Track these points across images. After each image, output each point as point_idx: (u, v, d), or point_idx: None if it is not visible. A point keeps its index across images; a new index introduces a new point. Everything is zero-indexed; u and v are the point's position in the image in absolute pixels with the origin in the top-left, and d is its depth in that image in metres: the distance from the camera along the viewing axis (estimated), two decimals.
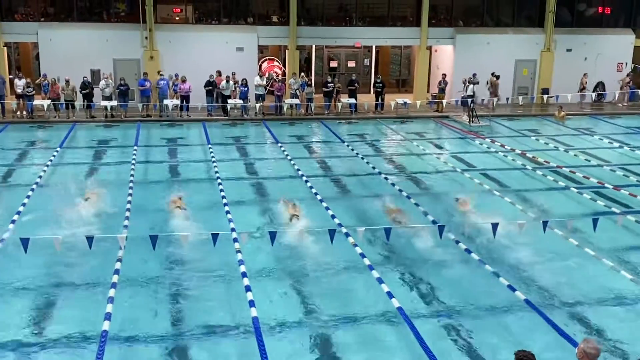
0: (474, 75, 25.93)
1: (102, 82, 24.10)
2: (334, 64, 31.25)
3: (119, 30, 26.25)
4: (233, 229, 11.96)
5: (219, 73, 25.19)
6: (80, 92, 23.81)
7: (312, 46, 30.58)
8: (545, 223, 11.42)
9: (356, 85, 26.48)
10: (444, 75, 27.13)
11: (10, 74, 26.02)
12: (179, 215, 13.23)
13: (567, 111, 25.96)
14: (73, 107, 23.78)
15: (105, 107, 23.81)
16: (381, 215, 13.55)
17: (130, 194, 14.35)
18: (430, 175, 17.07)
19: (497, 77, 27.36)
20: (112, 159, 18.44)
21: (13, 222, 12.40)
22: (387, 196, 14.66)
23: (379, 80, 26.83)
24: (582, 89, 28.16)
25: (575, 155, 19.35)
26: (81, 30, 26.05)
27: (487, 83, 27.33)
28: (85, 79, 24.08)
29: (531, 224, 12.03)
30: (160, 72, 24.80)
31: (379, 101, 26.43)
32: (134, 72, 26.28)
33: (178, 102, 24.44)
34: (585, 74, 28.47)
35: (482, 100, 26.89)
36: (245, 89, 25.06)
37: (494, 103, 26.70)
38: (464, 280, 10.51)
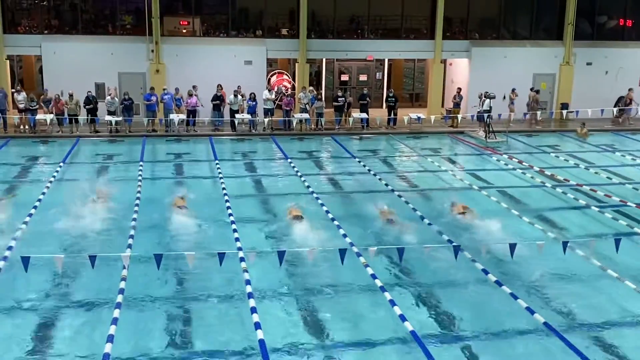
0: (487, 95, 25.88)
1: (108, 99, 24.37)
2: (345, 77, 31.42)
3: (125, 43, 26.57)
4: (240, 248, 11.99)
5: (221, 87, 25.38)
6: (85, 106, 24.07)
7: (322, 59, 30.78)
8: (565, 244, 11.37)
9: (368, 99, 26.60)
10: (459, 89, 27.23)
11: (12, 87, 26.33)
12: (185, 233, 13.29)
13: (589, 127, 25.89)
14: (77, 121, 24.02)
15: (110, 122, 24.04)
16: (394, 233, 13.53)
17: (135, 211, 14.44)
18: (446, 193, 17.04)
19: (537, 92, 27.57)
20: (117, 175, 18.54)
21: (14, 239, 12.49)
22: (399, 215, 14.63)
23: (391, 95, 26.95)
24: (628, 103, 27.90)
25: (596, 172, 19.28)
26: (86, 43, 26.39)
27: (504, 97, 27.38)
28: (89, 93, 24.34)
29: (550, 244, 11.98)
30: (164, 88, 25.01)
31: (392, 116, 26.50)
32: (140, 85, 26.53)
33: (184, 116, 24.63)
34: (630, 89, 28.17)
35: (525, 115, 27.11)
36: (254, 103, 25.24)
37: (537, 117, 26.90)
38: (481, 302, 10.47)
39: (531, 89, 27.86)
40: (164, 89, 25.01)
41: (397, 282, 11.33)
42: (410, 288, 11.10)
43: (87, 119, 24.02)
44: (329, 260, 11.52)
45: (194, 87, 24.70)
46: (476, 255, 11.86)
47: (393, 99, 26.66)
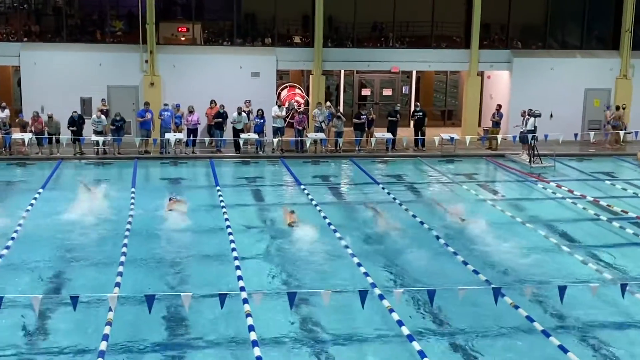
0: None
1: (94, 117, 24.58)
2: (366, 92, 31.59)
3: (115, 53, 26.93)
4: (243, 288, 11.99)
5: (214, 103, 25.59)
6: (68, 128, 24.32)
7: (340, 71, 30.99)
8: (623, 286, 11.26)
9: (398, 117, 26.68)
10: (499, 106, 27.23)
11: None
12: (181, 270, 13.32)
13: None
14: (58, 141, 24.26)
15: (97, 142, 24.25)
16: (424, 273, 13.50)
17: (125, 245, 14.51)
18: (482, 227, 16.87)
19: (623, 108, 27.74)
20: (105, 203, 18.60)
21: None
22: (428, 250, 14.66)
23: (418, 109, 26.97)
24: None
25: None
26: (70, 52, 26.78)
27: (551, 116, 27.35)
28: (75, 114, 24.52)
29: (607, 286, 11.86)
30: (165, 103, 25.29)
31: (420, 136, 26.50)
32: (132, 100, 26.83)
33: (182, 136, 24.82)
34: None
35: (607, 135, 27.26)
36: (262, 121, 25.41)
37: (621, 137, 27.09)
38: (526, 355, 10.36)
39: (607, 107, 28.07)
40: (164, 105, 25.23)
41: (427, 329, 11.26)
42: (442, 337, 11.01)
43: (71, 138, 24.24)
44: (349, 304, 11.49)
45: (189, 109, 25.01)
46: (519, 300, 11.75)
47: (421, 114, 26.69)
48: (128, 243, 14.68)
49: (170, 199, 17.78)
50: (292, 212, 16.89)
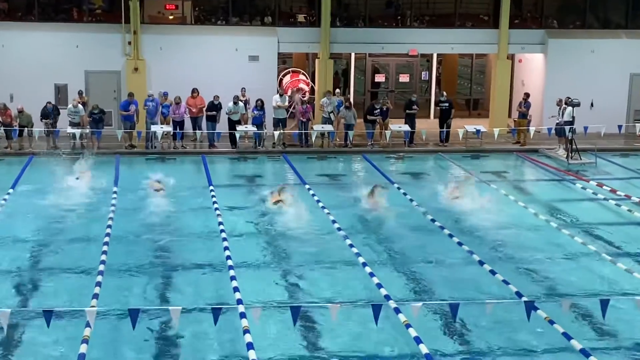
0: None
1: (70, 107, 24.62)
2: (380, 78, 31.59)
3: (94, 33, 26.98)
4: (240, 301, 12.03)
5: (196, 92, 25.40)
6: (41, 120, 24.40)
7: (350, 54, 30.99)
8: None
9: (416, 108, 26.66)
10: (527, 95, 27.00)
11: None
12: (169, 281, 13.35)
13: None
14: (30, 134, 24.34)
15: (73, 135, 24.29)
16: (445, 285, 13.52)
17: (104, 252, 14.55)
18: (514, 232, 16.95)
19: None
20: (83, 207, 18.67)
21: None
22: (452, 260, 14.70)
23: (443, 98, 26.87)
24: None
25: None
26: (43, 32, 26.80)
27: (592, 105, 27.25)
28: (49, 105, 24.59)
29: None
30: (150, 94, 25.24)
31: (445, 128, 26.41)
32: (113, 88, 26.89)
33: (170, 128, 24.87)
34: None
35: None
36: (261, 112, 25.37)
37: None
38: None
39: None
40: (149, 95, 25.22)
41: (449, 346, 11.27)
42: (464, 357, 11.02)
43: (44, 131, 24.30)
44: (359, 318, 11.46)
45: (176, 100, 24.96)
46: (554, 314, 11.75)
47: (447, 104, 26.64)
48: (109, 250, 14.73)
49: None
50: (280, 192, 18.20)
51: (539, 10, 30.05)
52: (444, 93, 27.39)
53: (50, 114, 24.42)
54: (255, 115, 25.47)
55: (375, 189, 18.93)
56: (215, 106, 25.21)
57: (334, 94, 26.58)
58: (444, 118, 26.57)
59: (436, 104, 27.11)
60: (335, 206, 18.62)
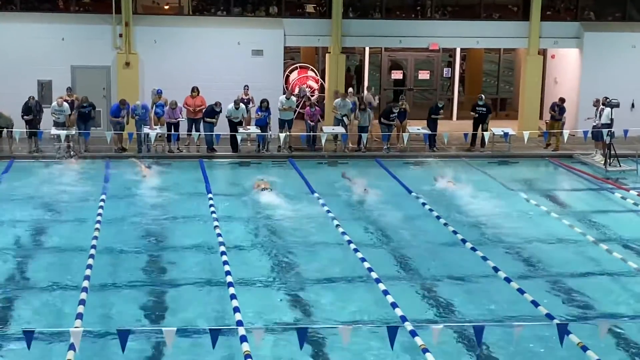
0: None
1: (54, 105, 24.60)
2: (397, 74, 31.58)
3: (81, 25, 26.99)
4: (240, 322, 12.05)
5: (196, 91, 25.34)
6: (23, 118, 24.43)
7: (364, 49, 31.01)
8: None
9: (441, 112, 26.69)
10: (562, 100, 26.68)
11: None
12: (164, 298, 13.37)
13: None
14: (10, 135, 24.40)
15: (58, 137, 24.34)
16: (468, 304, 13.52)
17: (89, 266, 14.59)
18: (545, 246, 16.95)
19: None
20: (67, 216, 18.78)
21: None
22: (475, 276, 14.72)
23: (482, 103, 26.65)
24: None
25: None
26: (25, 23, 26.80)
27: (633, 106, 27.17)
28: (31, 100, 24.66)
29: None
30: (137, 103, 25.11)
31: (481, 130, 26.17)
32: (102, 85, 26.95)
33: (163, 130, 24.88)
34: None
35: None
36: (266, 114, 25.35)
37: None
38: None
39: None
40: (137, 103, 25.06)
41: None
42: None
43: (26, 132, 24.35)
44: (375, 341, 11.45)
45: (172, 105, 25.00)
46: (590, 338, 11.71)
47: (484, 109, 26.52)
48: (94, 265, 14.77)
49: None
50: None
51: (574, 0, 30.00)
52: (482, 97, 27.13)
53: (33, 109, 24.46)
54: (260, 117, 25.43)
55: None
56: (215, 112, 25.00)
57: (347, 94, 26.42)
58: (480, 122, 26.44)
59: (472, 109, 26.78)
60: (345, 217, 18.68)
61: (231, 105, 25.08)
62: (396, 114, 25.88)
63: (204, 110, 25.16)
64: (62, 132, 24.31)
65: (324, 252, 16.38)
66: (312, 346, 11.65)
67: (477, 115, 26.50)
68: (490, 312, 13.26)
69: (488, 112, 26.60)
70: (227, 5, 28.45)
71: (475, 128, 26.52)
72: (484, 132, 26.06)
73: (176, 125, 25.12)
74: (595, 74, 28.69)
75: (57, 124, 24.60)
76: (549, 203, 20.82)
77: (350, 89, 27.61)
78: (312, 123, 25.72)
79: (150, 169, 20.92)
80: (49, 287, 14.19)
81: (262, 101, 25.41)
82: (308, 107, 26.04)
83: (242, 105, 25.26)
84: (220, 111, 25.07)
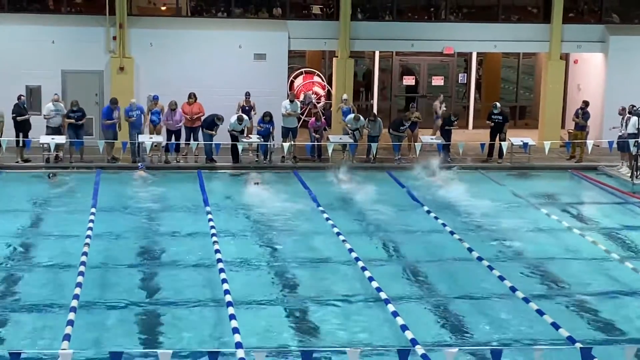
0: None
1: (50, 106, 24.64)
2: (409, 80, 31.59)
3: (73, 27, 27.10)
4: (239, 345, 12.05)
5: (193, 97, 25.22)
6: (17, 119, 24.38)
7: (374, 53, 31.04)
8: None
9: (456, 124, 26.70)
10: (585, 103, 26.81)
11: None
12: (160, 319, 13.38)
13: None
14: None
15: (47, 146, 24.34)
16: (484, 325, 13.52)
17: (79, 283, 14.59)
18: (568, 265, 16.94)
19: None
20: (54, 228, 18.84)
21: None
22: (492, 296, 14.73)
23: (497, 111, 26.54)
24: None
25: None
26: (13, 25, 26.91)
27: None
28: (22, 99, 24.71)
29: None
30: (132, 101, 25.27)
31: (499, 140, 26.14)
32: (95, 91, 26.99)
33: (160, 139, 24.91)
34: None
35: None
36: (267, 126, 25.33)
37: None
38: None
39: None
40: (131, 103, 25.12)
41: None
42: None
43: (19, 141, 24.24)
44: None
45: (171, 106, 24.98)
46: None
47: (500, 118, 26.49)
48: (84, 283, 14.78)
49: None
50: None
51: (599, 2, 30.00)
52: (497, 104, 27.01)
53: (25, 110, 24.47)
54: (262, 129, 25.41)
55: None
56: (215, 125, 24.99)
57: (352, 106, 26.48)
58: (496, 131, 26.43)
59: (488, 118, 26.73)
60: (352, 232, 18.67)
61: (234, 119, 25.00)
62: (407, 127, 25.91)
63: (203, 119, 25.16)
64: (52, 140, 24.19)
65: (332, 267, 16.38)
66: None
67: (492, 124, 26.49)
68: (508, 335, 13.22)
69: (504, 120, 26.54)
70: (228, 6, 28.51)
71: (492, 138, 26.51)
72: (502, 142, 26.04)
73: (177, 133, 25.10)
74: (621, 80, 28.69)
75: (51, 129, 24.46)
76: (571, 218, 20.82)
77: (345, 95, 27.39)
78: (316, 135, 25.74)
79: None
80: (35, 306, 14.21)
81: (265, 115, 25.27)
82: (314, 119, 26.08)
83: (245, 119, 25.12)
84: (221, 120, 25.04)
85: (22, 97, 24.83)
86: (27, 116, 24.46)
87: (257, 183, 23.33)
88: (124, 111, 24.90)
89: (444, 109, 27.77)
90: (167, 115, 24.97)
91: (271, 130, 25.48)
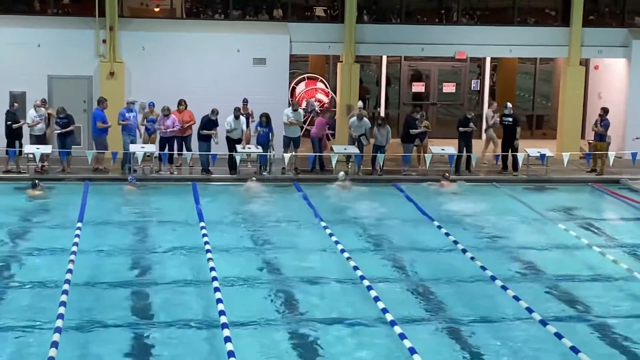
0: None
1: (31, 113, 24.64)
2: (418, 87, 31.58)
3: (60, 29, 27.16)
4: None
5: (184, 104, 25.24)
6: (12, 126, 24.38)
7: (381, 57, 31.02)
8: None
9: (472, 127, 26.55)
10: (604, 110, 26.70)
11: None
12: (150, 341, 13.29)
13: None
14: None
15: (32, 156, 24.29)
16: (498, 349, 13.45)
17: (62, 303, 14.52)
18: (587, 285, 16.91)
19: None
20: (38, 243, 18.77)
21: None
22: (506, 318, 14.69)
23: (507, 111, 26.56)
24: None
25: None
26: None
27: None
28: (16, 106, 24.75)
29: None
30: (129, 102, 25.20)
31: (510, 151, 26.10)
32: (83, 97, 27.00)
33: (153, 148, 24.84)
34: None
35: None
36: (266, 130, 25.30)
37: None
38: None
39: None
40: (128, 103, 25.17)
41: None
42: None
43: (17, 151, 24.24)
44: None
45: (164, 111, 24.92)
46: None
47: (510, 120, 26.43)
48: (68, 302, 14.71)
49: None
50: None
51: (621, 4, 30.00)
52: (509, 104, 26.85)
53: (16, 115, 24.55)
54: (260, 133, 25.35)
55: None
56: (212, 123, 25.05)
57: (358, 109, 26.31)
58: (508, 138, 26.31)
59: (500, 120, 26.65)
60: (357, 249, 18.61)
61: (230, 117, 25.03)
62: (416, 142, 25.96)
63: (199, 124, 25.11)
64: (37, 150, 24.15)
65: (335, 288, 16.30)
66: None
67: (506, 123, 26.41)
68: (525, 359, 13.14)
69: (515, 123, 26.37)
70: (226, 8, 28.54)
71: (504, 144, 26.43)
72: (516, 153, 25.98)
73: (171, 142, 25.05)
74: None
75: (35, 138, 24.50)
76: (591, 235, 20.74)
77: (360, 103, 27.34)
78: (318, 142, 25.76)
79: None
80: (17, 327, 14.12)
81: (261, 115, 25.25)
82: (317, 129, 26.05)
83: (242, 117, 25.22)
84: (217, 120, 25.00)
85: (15, 104, 24.91)
86: (22, 122, 24.51)
87: (254, 180, 24.05)
88: (119, 114, 24.90)
89: (497, 119, 27.10)
90: (160, 121, 24.93)
91: (270, 136, 25.40)
